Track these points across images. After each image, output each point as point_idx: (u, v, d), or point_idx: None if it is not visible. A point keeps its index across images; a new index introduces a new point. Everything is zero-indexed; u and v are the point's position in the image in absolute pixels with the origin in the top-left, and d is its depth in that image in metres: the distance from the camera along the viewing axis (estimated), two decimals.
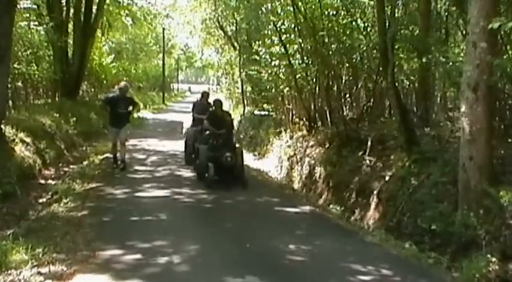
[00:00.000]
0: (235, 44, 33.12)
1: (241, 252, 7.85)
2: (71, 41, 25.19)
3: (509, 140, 10.97)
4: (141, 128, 27.60)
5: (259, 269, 7.05)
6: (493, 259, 7.46)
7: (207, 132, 14.32)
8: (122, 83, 16.20)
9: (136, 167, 15.55)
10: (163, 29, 55.26)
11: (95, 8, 26.23)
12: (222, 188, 12.50)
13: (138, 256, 7.38)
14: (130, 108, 15.36)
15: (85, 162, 16.13)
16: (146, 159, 17.39)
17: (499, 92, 10.08)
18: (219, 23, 34.86)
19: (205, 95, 17.91)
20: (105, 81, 34.51)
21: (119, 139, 14.94)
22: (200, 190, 12.39)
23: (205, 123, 14.47)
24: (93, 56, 29.17)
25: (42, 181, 13.39)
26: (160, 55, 60.20)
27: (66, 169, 15.36)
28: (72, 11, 25.12)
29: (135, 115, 26.37)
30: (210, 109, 15.59)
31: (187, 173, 14.76)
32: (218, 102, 15.34)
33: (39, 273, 6.49)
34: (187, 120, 19.08)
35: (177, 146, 19.73)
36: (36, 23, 22.92)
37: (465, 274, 7.42)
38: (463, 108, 9.16)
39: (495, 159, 9.44)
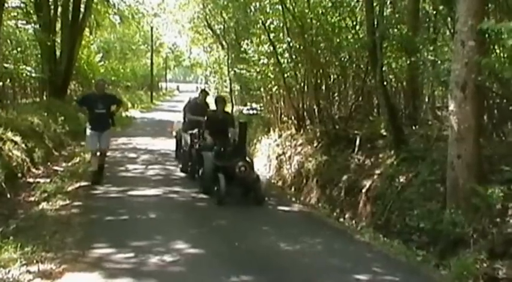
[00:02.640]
0: (224, 42, 33.12)
1: (231, 251, 7.86)
2: (58, 40, 25.11)
3: (498, 139, 11.03)
4: (130, 127, 27.57)
5: (250, 267, 7.06)
6: (481, 257, 7.49)
7: (208, 139, 12.67)
8: (97, 80, 14.82)
9: (127, 166, 15.50)
10: (152, 28, 55.17)
11: (82, 6, 26.16)
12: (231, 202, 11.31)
13: (128, 255, 7.37)
14: (114, 107, 13.35)
15: (74, 161, 16.07)
16: (136, 158, 17.36)
17: (487, 91, 10.12)
18: (207, 21, 34.83)
19: (204, 93, 16.16)
20: (93, 81, 34.40)
21: (100, 147, 12.83)
22: (190, 189, 12.38)
23: (206, 133, 12.85)
24: (81, 55, 29.09)
25: (31, 180, 13.33)
26: (149, 54, 60.10)
27: (55, 168, 15.30)
28: (60, 9, 25.08)
29: (123, 114, 26.27)
30: (208, 111, 14.42)
31: (177, 171, 14.74)
32: (220, 100, 13.91)
33: (28, 271, 6.48)
34: (177, 119, 18.01)
35: (167, 145, 19.74)
36: (24, 21, 22.80)
37: (453, 272, 7.45)
38: (451, 107, 9.20)
39: (483, 157, 9.49)
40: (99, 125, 12.72)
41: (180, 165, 15.15)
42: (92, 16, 30.21)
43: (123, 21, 41.08)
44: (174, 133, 17.56)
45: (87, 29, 29.88)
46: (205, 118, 13.50)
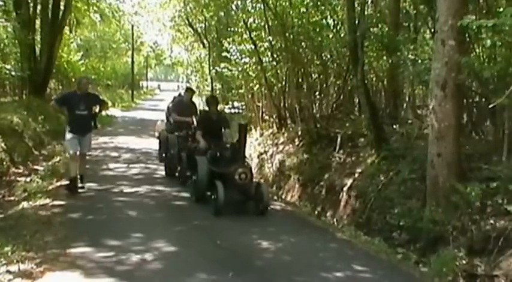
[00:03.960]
0: (205, 41, 33.09)
1: (212, 249, 7.84)
2: (38, 38, 24.93)
3: (477, 137, 11.13)
4: (111, 126, 27.43)
5: (231, 266, 7.05)
6: (460, 254, 7.57)
7: (201, 142, 11.37)
8: (80, 78, 13.16)
9: (108, 165, 15.42)
10: (132, 27, 54.93)
11: (62, 4, 25.96)
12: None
13: (109, 254, 7.33)
14: (96, 109, 12.04)
15: (54, 160, 15.96)
16: (118, 157, 17.27)
17: (467, 90, 10.21)
18: (188, 20, 34.76)
19: (190, 92, 15.07)
20: (73, 79, 34.21)
21: (81, 152, 11.49)
22: (172, 188, 12.33)
23: (198, 135, 11.65)
24: (61, 53, 28.90)
25: (11, 179, 13.23)
26: (129, 53, 59.83)
27: (35, 167, 15.20)
28: (39, 7, 24.87)
29: (104, 113, 26.10)
30: (200, 110, 13.91)
31: (159, 170, 14.68)
32: (213, 100, 12.67)
33: (8, 271, 6.42)
34: (160, 119, 17.59)
35: (149, 144, 19.67)
36: (3, 19, 22.62)
37: (433, 269, 7.52)
38: (431, 106, 9.27)
39: (463, 156, 9.58)
40: (80, 128, 11.40)
41: (166, 170, 14.07)
42: (72, 14, 30.02)
43: (104, 20, 40.86)
44: (156, 134, 16.97)
45: (67, 27, 29.68)
46: (197, 119, 12.76)
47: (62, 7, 25.87)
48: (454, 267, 7.34)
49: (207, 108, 12.61)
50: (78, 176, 11.45)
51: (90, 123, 11.74)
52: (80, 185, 11.46)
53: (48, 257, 7.09)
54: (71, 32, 34.09)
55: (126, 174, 14.19)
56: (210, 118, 11.93)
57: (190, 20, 34.58)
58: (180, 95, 15.65)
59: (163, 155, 14.30)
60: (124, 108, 42.78)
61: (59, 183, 12.36)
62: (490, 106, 8.83)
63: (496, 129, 9.76)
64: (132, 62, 59.28)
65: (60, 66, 29.81)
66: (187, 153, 12.13)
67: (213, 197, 10.04)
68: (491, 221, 7.91)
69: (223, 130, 12.01)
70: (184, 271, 6.79)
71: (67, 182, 11.54)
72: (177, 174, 13.25)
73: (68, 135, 11.45)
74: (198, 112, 13.96)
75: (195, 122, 13.48)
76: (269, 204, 10.49)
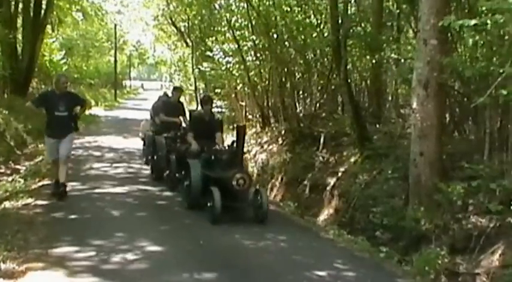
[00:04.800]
0: (188, 40, 33.01)
1: (195, 249, 7.82)
2: (20, 37, 24.74)
3: (459, 136, 11.19)
4: (94, 125, 27.29)
5: (214, 265, 7.04)
6: (443, 252, 7.62)
7: (193, 144, 10.90)
8: (58, 76, 11.82)
9: (91, 164, 15.33)
10: (115, 25, 54.67)
11: (44, 2, 25.77)
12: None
13: (91, 253, 7.28)
14: (77, 109, 10.80)
15: (36, 160, 15.84)
16: (101, 156, 17.18)
17: (449, 89, 10.27)
18: (171, 19, 34.64)
19: (178, 91, 14.50)
20: None
21: (60, 156, 10.59)
22: (155, 187, 12.28)
23: (189, 137, 11.16)
24: (43, 52, 28.70)
25: None
26: (112, 52, 59.55)
27: (17, 167, 15.07)
28: (21, 5, 24.69)
29: (87, 112, 25.95)
30: (191, 111, 13.44)
31: (143, 170, 14.62)
32: (208, 100, 11.91)
33: None
34: (144, 119, 17.34)
35: (132, 143, 19.60)
36: None
37: (415, 267, 7.55)
38: (414, 105, 9.32)
39: (445, 155, 9.63)
40: (59, 131, 10.55)
41: (153, 173, 13.42)
42: (54, 12, 29.80)
43: (86, 18, 40.62)
44: (141, 134, 16.58)
45: (49, 26, 29.48)
46: (189, 119, 12.31)
47: (44, 5, 25.69)
48: (437, 265, 7.39)
49: (201, 108, 12.05)
50: (59, 183, 10.63)
51: (70, 125, 10.73)
52: (59, 187, 10.64)
53: (30, 256, 7.03)
54: (53, 30, 33.82)
55: (110, 174, 14.12)
56: (203, 119, 11.35)
57: (173, 19, 34.44)
58: (165, 94, 15.40)
59: (151, 157, 13.79)
60: (107, 108, 42.55)
61: (41, 183, 12.26)
62: (472, 105, 8.89)
63: (477, 128, 9.83)
64: (115, 61, 59.02)
65: (42, 65, 29.60)
66: (176, 155, 11.61)
67: (208, 204, 9.35)
68: (473, 220, 7.97)
69: (216, 133, 11.30)
70: (167, 270, 6.77)
71: (53, 188, 10.88)
72: (165, 176, 12.54)
73: (47, 140, 10.86)
74: (188, 112, 13.51)
75: (183, 123, 13.37)
76: (267, 212, 9.57)
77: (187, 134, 11.40)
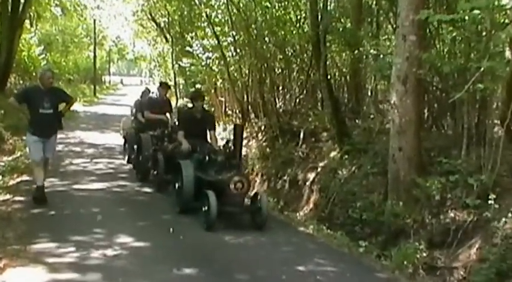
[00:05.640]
0: (168, 35, 32.89)
1: (175, 244, 7.82)
2: None
3: (437, 131, 11.27)
4: (73, 121, 27.09)
5: (194, 260, 7.04)
6: (421, 247, 7.67)
7: (184, 144, 10.13)
8: (43, 71, 10.68)
9: (71, 160, 15.23)
10: (94, 21, 54.26)
11: None
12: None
13: (70, 249, 7.24)
14: (63, 107, 10.35)
15: (14, 156, 15.70)
16: (80, 152, 17.08)
17: (427, 85, 10.34)
18: (151, 14, 34.49)
19: (164, 87, 13.75)
20: (34, 74, 33.70)
21: (45, 158, 9.97)
22: (135, 183, 12.24)
23: (180, 136, 10.36)
24: (21, 47, 28.43)
25: None
26: (91, 47, 59.13)
27: None
28: None
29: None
30: (179, 107, 13.11)
31: (122, 166, 14.56)
32: (199, 96, 10.99)
33: None
34: (126, 116, 17.12)
35: (111, 139, 19.56)
36: None
37: (394, 262, 7.60)
38: (393, 101, 9.38)
39: (423, 150, 9.70)
40: (45, 129, 9.77)
41: (138, 174, 12.72)
42: (33, 7, 29.53)
43: (65, 14, 40.31)
44: (122, 132, 16.22)
45: (27, 21, 29.20)
46: (179, 116, 11.44)
47: (22, 0, 25.43)
48: (415, 260, 7.44)
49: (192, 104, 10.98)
50: (38, 185, 9.86)
51: (55, 123, 10.01)
52: (38, 188, 9.87)
53: (9, 252, 6.97)
54: (31, 25, 33.53)
55: (89, 170, 14.05)
56: (194, 116, 10.47)
57: (153, 14, 34.30)
58: (147, 90, 15.14)
59: (134, 156, 13.13)
60: (86, 103, 42.24)
61: (19, 179, 12.17)
62: (450, 101, 8.96)
63: (455, 124, 9.90)
64: (94, 56, 58.60)
65: (21, 60, 29.33)
66: (164, 155, 11.10)
67: (203, 209, 8.61)
68: (451, 214, 8.03)
69: (210, 131, 10.66)
70: (146, 266, 6.76)
71: (34, 192, 9.97)
72: (151, 177, 12.07)
73: (30, 138, 9.93)
74: (177, 109, 13.06)
75: (170, 120, 12.96)
76: (266, 215, 8.95)
77: (178, 132, 10.56)
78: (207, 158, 9.45)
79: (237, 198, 8.71)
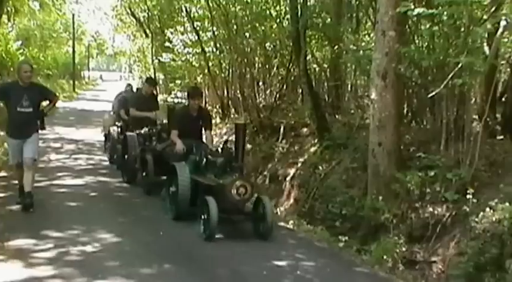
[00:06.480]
0: (148, 30, 32.76)
1: (155, 241, 7.78)
2: None
3: (416, 126, 11.33)
4: (51, 116, 26.81)
5: (173, 256, 7.02)
6: (400, 241, 7.73)
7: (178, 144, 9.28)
8: (20, 64, 9.78)
9: (50, 156, 15.11)
10: (73, 15, 53.88)
11: None
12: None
13: (50, 246, 7.19)
14: (45, 105, 9.40)
15: None
16: (60, 148, 16.95)
17: (406, 80, 10.39)
18: (130, 9, 34.31)
19: (151, 82, 13.09)
20: (12, 69, 33.38)
21: (24, 159, 8.87)
22: (115, 178, 12.16)
23: (173, 135, 9.53)
24: None
25: None
26: (70, 42, 58.68)
27: None
28: None
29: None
30: (171, 105, 12.48)
31: (102, 161, 14.47)
32: (197, 93, 10.11)
33: None
34: (108, 113, 16.72)
35: (91, 134, 19.43)
36: None
37: (374, 256, 7.64)
38: (372, 96, 9.41)
39: (403, 145, 9.75)
40: (23, 130, 8.81)
41: (124, 176, 11.87)
42: (10, 1, 29.23)
43: (43, 8, 39.96)
44: (103, 130, 15.77)
45: (4, 16, 28.90)
46: (173, 114, 10.39)
47: None
48: (394, 254, 7.50)
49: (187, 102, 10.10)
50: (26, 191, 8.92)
51: (36, 122, 9.02)
52: (25, 195, 8.94)
53: None
54: (9, 20, 33.19)
55: (69, 165, 13.95)
56: (189, 115, 9.66)
57: (132, 9, 34.12)
58: (130, 86, 14.79)
59: (121, 157, 12.10)
60: (65, 99, 41.93)
61: None
62: (429, 96, 9.00)
63: (434, 119, 9.96)
64: (73, 51, 58.14)
65: None
66: (153, 156, 10.42)
67: (202, 217, 7.84)
68: (430, 209, 8.09)
69: (206, 131, 9.91)
70: (127, 262, 6.73)
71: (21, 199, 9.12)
72: (139, 179, 11.25)
73: (8, 141, 9.18)
74: (172, 106, 12.18)
75: (158, 118, 12.04)
76: (272, 224, 8.06)
77: (171, 131, 9.70)
78: (204, 160, 8.60)
79: (239, 204, 7.95)
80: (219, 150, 9.05)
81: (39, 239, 7.46)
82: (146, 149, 10.96)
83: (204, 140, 9.77)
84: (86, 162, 14.53)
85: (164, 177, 9.63)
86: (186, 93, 11.59)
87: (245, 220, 8.33)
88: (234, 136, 15.99)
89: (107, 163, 14.05)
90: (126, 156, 11.65)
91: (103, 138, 16.00)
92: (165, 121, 11.56)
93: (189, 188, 8.28)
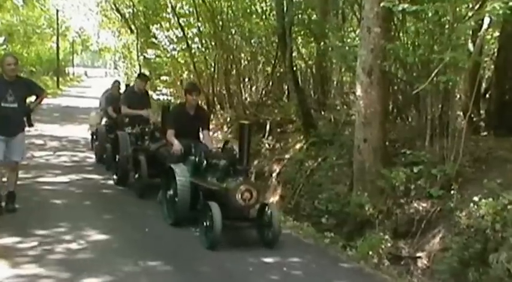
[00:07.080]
0: (133, 27, 32.60)
1: (141, 237, 7.77)
2: None
3: (402, 123, 11.38)
4: (35, 113, 26.65)
5: (159, 253, 7.01)
6: (386, 237, 7.76)
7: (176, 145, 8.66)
8: (6, 58, 8.61)
9: (34, 153, 15.01)
10: (57, 11, 53.58)
11: None
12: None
13: (35, 244, 7.15)
14: (32, 100, 9.03)
15: None
16: (44, 145, 16.85)
17: (392, 76, 10.42)
18: (115, 5, 34.13)
19: (144, 78, 12.55)
20: None
21: (10, 160, 8.54)
22: (100, 175, 12.11)
23: (170, 135, 8.87)
24: None
25: None
26: (54, 38, 58.34)
27: None
28: None
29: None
30: (164, 103, 12.25)
31: (87, 158, 14.40)
32: (196, 90, 9.46)
33: None
34: (95, 110, 16.41)
35: (75, 131, 19.34)
36: None
37: (359, 252, 7.65)
38: (358, 92, 9.43)
39: (388, 141, 9.79)
40: (8, 127, 8.31)
41: (116, 177, 11.19)
42: None
43: (27, 3, 39.67)
44: (90, 128, 15.43)
45: None
46: (170, 113, 9.81)
47: None
48: (380, 250, 7.52)
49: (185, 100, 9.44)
50: (6, 193, 8.64)
51: (22, 119, 8.64)
52: (2, 203, 8.60)
53: None
54: None
55: (53, 162, 13.89)
56: (186, 113, 9.08)
57: (117, 5, 33.95)
58: (117, 82, 14.34)
59: (112, 157, 11.59)
60: (49, 95, 41.66)
61: None
62: (414, 92, 9.04)
63: (419, 115, 10.00)
64: (57, 47, 57.84)
65: None
66: (147, 156, 9.97)
67: (204, 224, 7.37)
68: (415, 205, 8.14)
69: (203, 131, 9.43)
70: (113, 259, 6.71)
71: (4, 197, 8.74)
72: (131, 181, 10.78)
73: None
74: (166, 104, 11.97)
75: (151, 117, 11.70)
76: (279, 231, 7.52)
77: (168, 131, 9.06)
78: (204, 161, 8.16)
79: (244, 210, 7.45)
80: (219, 150, 8.79)
81: (23, 237, 7.40)
82: (139, 149, 10.53)
83: (201, 140, 9.29)
84: (70, 159, 14.46)
85: (158, 180, 9.18)
86: (171, 90, 11.62)
87: (250, 227, 7.84)
88: (222, 133, 16.14)
89: (92, 160, 13.99)
90: (117, 157, 11.04)
91: (88, 136, 15.89)
92: (158, 119, 11.21)
93: (189, 192, 7.84)
